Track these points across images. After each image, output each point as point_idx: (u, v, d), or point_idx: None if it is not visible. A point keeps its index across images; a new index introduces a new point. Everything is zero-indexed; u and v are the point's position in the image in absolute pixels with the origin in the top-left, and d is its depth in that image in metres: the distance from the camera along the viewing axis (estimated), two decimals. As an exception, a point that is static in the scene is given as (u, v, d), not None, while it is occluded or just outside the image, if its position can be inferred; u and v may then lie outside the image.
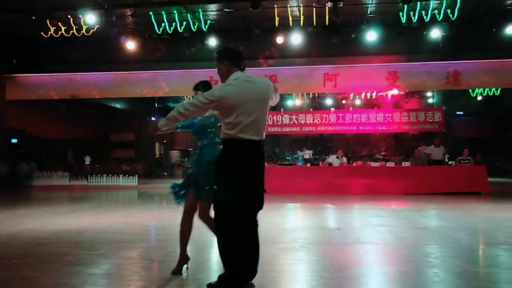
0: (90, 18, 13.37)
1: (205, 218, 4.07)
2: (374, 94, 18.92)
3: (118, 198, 13.11)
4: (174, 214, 9.04)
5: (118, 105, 22.71)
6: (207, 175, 3.87)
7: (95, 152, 22.20)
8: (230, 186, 3.49)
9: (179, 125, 4.13)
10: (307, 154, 16.39)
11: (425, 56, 15.44)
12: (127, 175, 16.76)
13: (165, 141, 28.00)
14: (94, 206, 10.64)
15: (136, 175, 16.93)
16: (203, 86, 4.17)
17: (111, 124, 24.84)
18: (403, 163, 13.83)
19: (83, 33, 14.02)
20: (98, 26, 13.75)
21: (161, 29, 14.40)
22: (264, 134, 3.63)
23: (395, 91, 17.08)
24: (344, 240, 6.06)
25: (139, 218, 8.18)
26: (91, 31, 13.93)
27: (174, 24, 14.26)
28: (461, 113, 30.58)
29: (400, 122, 15.66)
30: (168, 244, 5.70)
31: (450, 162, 14.41)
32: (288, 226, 7.24)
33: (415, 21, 13.32)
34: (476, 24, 13.97)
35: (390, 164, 13.81)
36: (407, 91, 20.74)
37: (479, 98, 26.82)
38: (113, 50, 15.89)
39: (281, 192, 12.62)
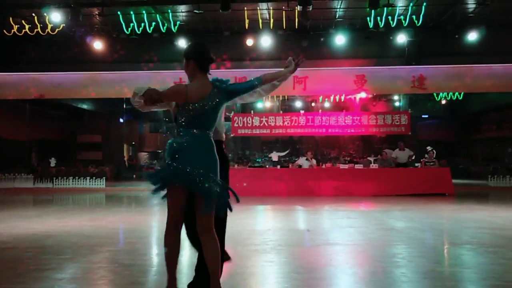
0: (56, 17, 13.07)
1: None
2: (343, 97, 19.20)
3: (85, 201, 12.83)
4: (143, 217, 8.95)
5: (85, 106, 22.25)
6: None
7: (61, 153, 21.64)
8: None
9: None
10: (276, 156, 16.50)
11: (392, 60, 15.80)
12: (94, 178, 16.42)
13: (133, 143, 27.60)
14: (60, 209, 10.38)
15: (104, 178, 16.61)
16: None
17: (78, 125, 24.29)
18: (371, 165, 14.08)
19: (48, 31, 13.67)
20: (63, 25, 13.44)
21: (129, 29, 14.20)
22: None
23: (363, 94, 17.39)
24: (314, 241, 6.11)
25: (107, 221, 8.02)
26: (57, 30, 13.61)
27: (143, 24, 14.09)
28: (427, 116, 31.42)
29: (368, 125, 15.94)
30: (137, 247, 5.61)
31: (416, 164, 14.79)
32: (258, 228, 7.26)
33: (382, 26, 13.63)
34: (440, 30, 14.42)
35: (359, 166, 14.02)
36: (374, 94, 21.17)
37: (444, 102, 27.67)
38: (79, 50, 15.57)
39: (252, 194, 12.64)
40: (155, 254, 5.39)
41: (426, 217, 8.60)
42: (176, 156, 3.11)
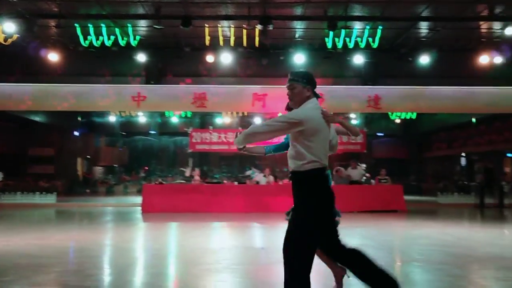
0: (9, 27, 12.62)
1: None
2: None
3: (33, 217, 12.31)
4: (94, 235, 8.66)
5: (37, 118, 21.48)
6: None
7: (10, 167, 20.75)
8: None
9: (268, 149, 3.93)
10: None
11: (349, 80, 16.22)
12: (44, 192, 15.80)
13: (88, 157, 26.84)
14: (5, 226, 9.91)
15: (55, 192, 16.02)
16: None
17: (29, 137, 23.39)
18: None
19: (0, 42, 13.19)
20: (18, 35, 13.00)
21: (87, 42, 13.91)
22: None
23: (321, 112, 17.72)
24: (268, 259, 6.10)
25: (55, 240, 7.72)
26: (10, 40, 13.14)
27: (101, 37, 13.84)
28: (382, 135, 32.36)
29: (327, 142, 16.23)
30: (85, 267, 5.42)
31: (372, 181, 15.14)
32: (212, 247, 7.18)
33: (340, 46, 13.96)
34: (395, 53, 14.93)
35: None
36: (332, 113, 21.55)
37: (398, 121, 28.59)
38: (33, 61, 15.09)
39: (208, 210, 12.56)
40: (105, 275, 5.22)
41: (378, 234, 8.78)
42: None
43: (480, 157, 27.41)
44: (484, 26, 13.81)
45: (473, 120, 25.48)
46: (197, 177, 14.84)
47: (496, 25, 13.65)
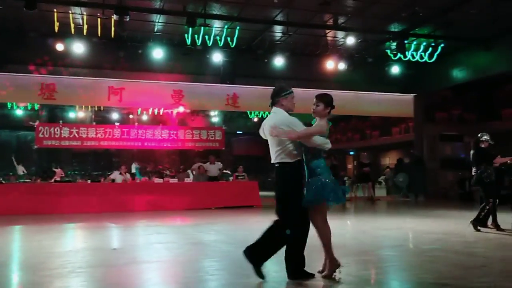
0: None
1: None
2: (161, 111, 19.14)
3: None
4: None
5: None
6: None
7: None
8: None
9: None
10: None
11: (208, 78, 16.37)
12: None
13: None
14: None
15: None
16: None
17: None
18: (185, 179, 14.27)
19: None
20: None
21: None
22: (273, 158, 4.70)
23: (181, 109, 17.62)
24: (118, 261, 5.84)
25: None
26: None
27: None
28: (241, 132, 33.45)
29: (185, 139, 16.21)
30: None
31: (230, 178, 15.55)
32: (58, 250, 6.63)
33: (199, 44, 14.01)
34: (252, 53, 15.48)
35: (174, 180, 14.08)
36: (192, 110, 21.63)
37: (255, 119, 29.81)
38: None
39: (58, 211, 11.63)
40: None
41: (232, 230, 9.05)
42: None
43: (328, 155, 29.90)
44: (329, 34, 15.09)
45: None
46: (58, 178, 13.63)
47: (340, 34, 15.02)
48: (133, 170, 17.90)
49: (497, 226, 8.14)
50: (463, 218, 10.26)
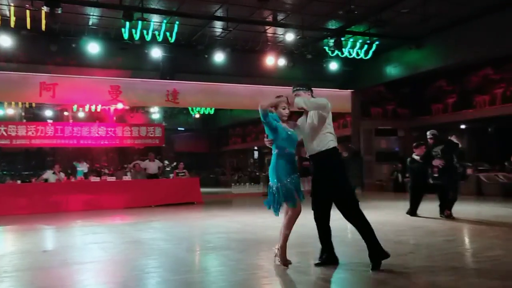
0: None
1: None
2: (99, 107, 18.51)
3: None
4: None
5: None
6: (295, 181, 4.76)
7: None
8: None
9: (270, 120, 4.70)
10: None
11: (147, 73, 16.01)
12: None
13: None
14: None
15: None
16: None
17: None
18: (124, 177, 13.90)
19: None
20: None
21: None
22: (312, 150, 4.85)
23: (119, 106, 17.12)
24: (48, 263, 5.56)
25: None
26: None
27: None
28: (183, 129, 33.09)
29: (123, 136, 15.77)
30: None
31: (171, 175, 15.32)
32: (-18, 255, 6.23)
33: (137, 38, 13.62)
34: (192, 49, 15.28)
35: (112, 178, 13.66)
36: (131, 106, 21.10)
37: (197, 116, 29.61)
38: None
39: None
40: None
41: (172, 227, 8.92)
42: None
43: (269, 150, 30.21)
44: (269, 30, 15.21)
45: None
46: None
47: (279, 31, 15.18)
48: (83, 169, 16.71)
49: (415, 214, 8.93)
50: (396, 208, 10.76)
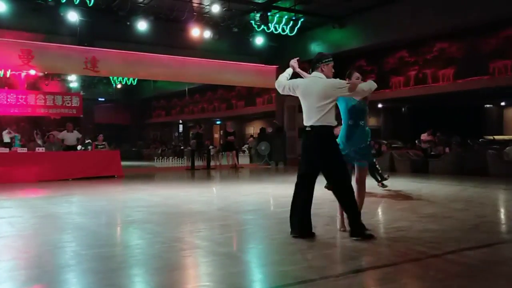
0: None
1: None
2: (8, 73, 17.10)
3: None
4: None
5: None
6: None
7: None
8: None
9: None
10: None
11: (63, 38, 14.98)
12: None
13: None
14: None
15: None
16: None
17: None
18: (37, 148, 13.05)
19: None
20: None
21: None
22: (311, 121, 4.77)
23: (32, 72, 15.94)
24: None
25: None
26: None
27: None
28: (103, 99, 31.69)
29: (36, 105, 14.76)
30: None
31: (89, 147, 14.63)
32: None
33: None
34: (113, 15, 14.50)
35: (22, 150, 12.73)
36: (46, 73, 19.78)
37: (119, 86, 28.46)
38: None
39: None
40: None
41: (89, 201, 8.56)
42: None
43: (194, 124, 29.96)
44: (195, 0, 14.81)
45: (186, 89, 27.56)
46: None
47: (205, 1, 14.83)
48: (6, 140, 15.11)
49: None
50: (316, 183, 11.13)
